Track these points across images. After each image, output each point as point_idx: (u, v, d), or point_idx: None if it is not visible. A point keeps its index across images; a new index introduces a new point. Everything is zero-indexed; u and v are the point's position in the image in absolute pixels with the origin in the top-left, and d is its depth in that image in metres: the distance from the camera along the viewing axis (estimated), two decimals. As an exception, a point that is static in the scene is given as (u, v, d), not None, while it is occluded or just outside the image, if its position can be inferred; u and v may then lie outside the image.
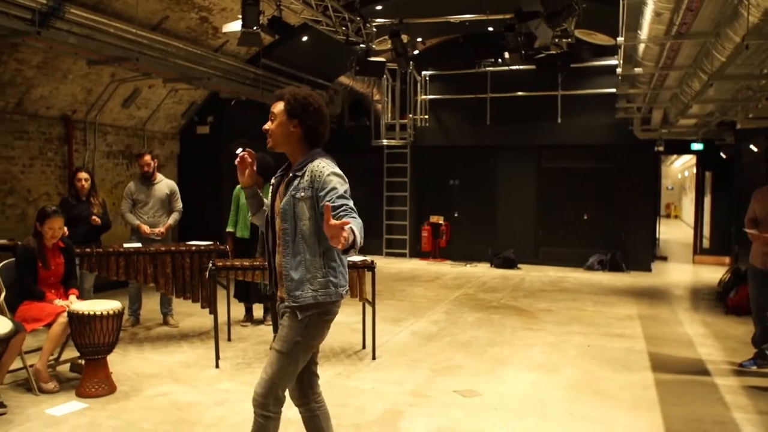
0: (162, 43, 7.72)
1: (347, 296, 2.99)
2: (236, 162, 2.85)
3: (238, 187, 6.65)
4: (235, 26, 7.18)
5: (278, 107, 2.82)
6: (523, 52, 8.51)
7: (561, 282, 10.21)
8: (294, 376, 2.87)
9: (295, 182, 2.77)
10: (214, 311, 5.42)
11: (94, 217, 5.97)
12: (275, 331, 5.72)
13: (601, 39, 9.11)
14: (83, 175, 6.13)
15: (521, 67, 10.22)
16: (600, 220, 11.75)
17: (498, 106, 12.32)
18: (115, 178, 9.16)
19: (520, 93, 12.02)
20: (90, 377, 4.52)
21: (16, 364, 4.47)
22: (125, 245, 5.93)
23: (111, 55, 7.03)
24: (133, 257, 5.65)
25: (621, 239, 11.58)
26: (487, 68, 12.34)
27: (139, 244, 6.01)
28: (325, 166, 2.75)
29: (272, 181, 2.96)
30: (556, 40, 8.23)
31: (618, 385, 4.95)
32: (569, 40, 8.18)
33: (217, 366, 5.20)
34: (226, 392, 4.64)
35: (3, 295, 4.64)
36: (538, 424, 4.13)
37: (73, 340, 4.59)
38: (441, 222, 12.58)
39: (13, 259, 4.80)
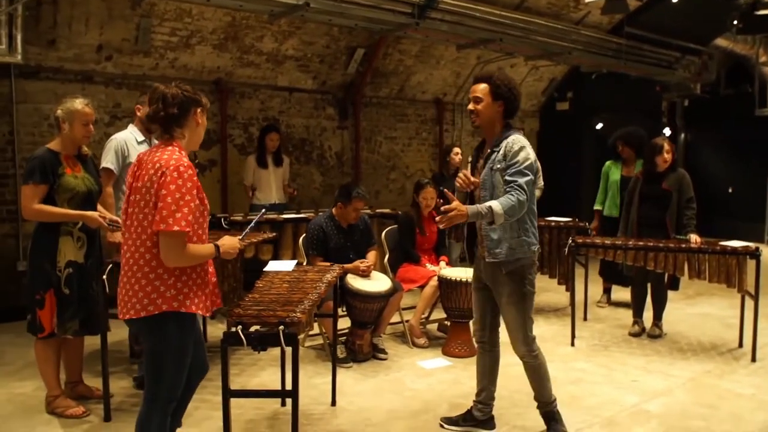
0: (524, 21, 7.83)
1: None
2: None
3: (608, 163, 6.38)
4: (599, -5, 6.89)
5: (483, 89, 3.19)
6: None
7: None
8: (529, 319, 3.30)
9: (493, 156, 3.17)
10: (571, 288, 5.37)
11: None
12: (636, 315, 5.43)
13: None
14: (457, 149, 6.65)
15: None
16: None
17: None
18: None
19: None
20: (454, 338, 4.91)
21: (395, 318, 5.12)
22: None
23: (477, 38, 7.42)
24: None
25: None
26: None
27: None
28: (516, 142, 3.13)
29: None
30: None
31: None
32: None
33: (572, 344, 5.15)
34: (581, 371, 4.57)
35: (387, 257, 5.34)
36: None
37: (441, 303, 5.04)
38: None
39: (396, 226, 5.48)
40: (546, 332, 5.55)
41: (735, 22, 8.03)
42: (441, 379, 4.41)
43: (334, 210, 4.86)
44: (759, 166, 11.11)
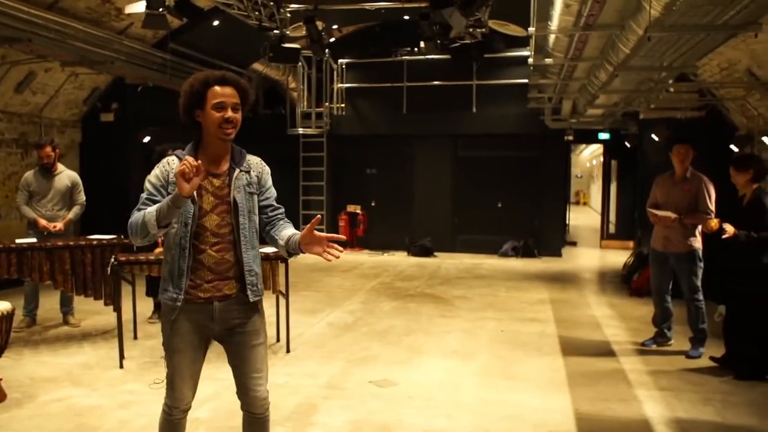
0: (58, 23, 7.20)
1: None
2: (187, 168, 2.36)
3: None
4: (139, 7, 6.78)
5: (237, 95, 2.57)
6: (438, 41, 8.54)
7: (476, 269, 10.40)
8: None
9: (245, 177, 2.67)
10: (118, 308, 5.13)
11: None
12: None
13: (513, 30, 9.24)
14: None
15: (437, 56, 10.30)
16: (513, 207, 12.05)
17: (414, 95, 12.36)
18: (8, 168, 8.53)
19: (435, 82, 12.10)
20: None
21: None
22: (18, 241, 5.51)
23: (1, 35, 6.50)
24: (27, 254, 5.26)
25: (533, 226, 11.92)
26: (404, 57, 12.35)
27: (35, 239, 5.61)
28: (262, 162, 2.79)
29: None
30: (471, 30, 8.30)
31: (530, 369, 5.06)
32: (483, 30, 8.26)
33: (121, 366, 4.93)
34: (130, 393, 4.41)
35: None
36: (452, 411, 4.15)
37: (-43, 345, 4.22)
38: (358, 211, 12.53)
39: None
40: (92, 358, 5.20)
41: (267, 51, 8.92)
42: (-43, 436, 3.69)
43: None
44: (293, 180, 12.65)
